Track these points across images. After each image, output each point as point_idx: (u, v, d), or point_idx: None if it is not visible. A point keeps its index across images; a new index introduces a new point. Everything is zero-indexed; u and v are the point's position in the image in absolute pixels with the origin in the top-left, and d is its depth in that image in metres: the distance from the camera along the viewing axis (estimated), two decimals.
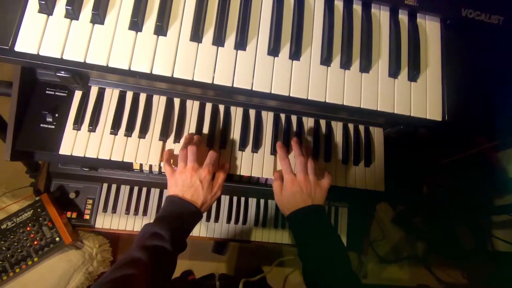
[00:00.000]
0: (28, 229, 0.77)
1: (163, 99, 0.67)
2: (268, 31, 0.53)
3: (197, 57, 0.49)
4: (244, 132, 0.67)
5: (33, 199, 0.81)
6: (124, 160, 0.62)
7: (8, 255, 0.75)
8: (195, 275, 0.83)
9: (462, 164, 1.06)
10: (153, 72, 0.48)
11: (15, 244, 0.76)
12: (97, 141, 0.62)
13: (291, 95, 0.51)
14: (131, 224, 0.87)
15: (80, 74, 0.50)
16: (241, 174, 0.65)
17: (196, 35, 0.50)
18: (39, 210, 0.78)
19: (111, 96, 0.66)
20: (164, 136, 0.64)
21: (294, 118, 0.71)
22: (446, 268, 1.46)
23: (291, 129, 0.70)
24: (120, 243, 1.26)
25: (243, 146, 0.66)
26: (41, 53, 0.44)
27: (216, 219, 0.89)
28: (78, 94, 0.64)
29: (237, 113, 0.69)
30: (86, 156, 0.61)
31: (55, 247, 0.77)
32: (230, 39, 0.51)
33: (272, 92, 0.51)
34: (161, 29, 0.49)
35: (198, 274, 0.83)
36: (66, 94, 0.65)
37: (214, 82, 0.49)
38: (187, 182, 0.57)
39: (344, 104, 0.53)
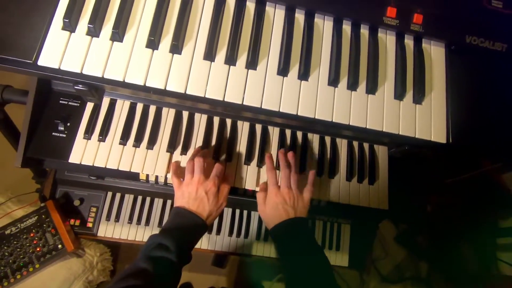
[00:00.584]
0: (32, 235, 0.77)
1: (172, 111, 0.68)
2: (278, 52, 0.55)
3: (209, 75, 0.51)
4: (250, 147, 0.68)
5: (38, 205, 0.82)
6: (131, 170, 0.63)
7: (10, 261, 0.75)
8: None
9: (467, 184, 1.05)
10: (167, 89, 0.50)
11: (18, 250, 0.76)
12: (106, 150, 0.64)
13: (298, 114, 0.53)
14: (133, 233, 0.87)
15: (96, 88, 0.52)
16: (246, 188, 0.66)
17: (210, 54, 0.52)
18: (43, 216, 0.78)
19: (122, 107, 0.68)
20: (171, 148, 0.66)
21: (299, 134, 0.72)
22: None
23: (297, 145, 0.71)
24: (121, 253, 1.25)
25: (248, 160, 0.67)
26: (62, 68, 0.47)
27: (218, 231, 0.89)
28: (90, 105, 0.66)
29: (243, 128, 0.70)
30: (95, 165, 0.63)
31: (57, 255, 0.77)
32: (242, 59, 0.53)
33: (281, 110, 0.52)
34: (176, 48, 0.51)
35: (198, 287, 0.82)
36: (78, 104, 0.67)
37: (225, 100, 0.51)
38: (193, 194, 0.57)
39: (350, 124, 0.54)
